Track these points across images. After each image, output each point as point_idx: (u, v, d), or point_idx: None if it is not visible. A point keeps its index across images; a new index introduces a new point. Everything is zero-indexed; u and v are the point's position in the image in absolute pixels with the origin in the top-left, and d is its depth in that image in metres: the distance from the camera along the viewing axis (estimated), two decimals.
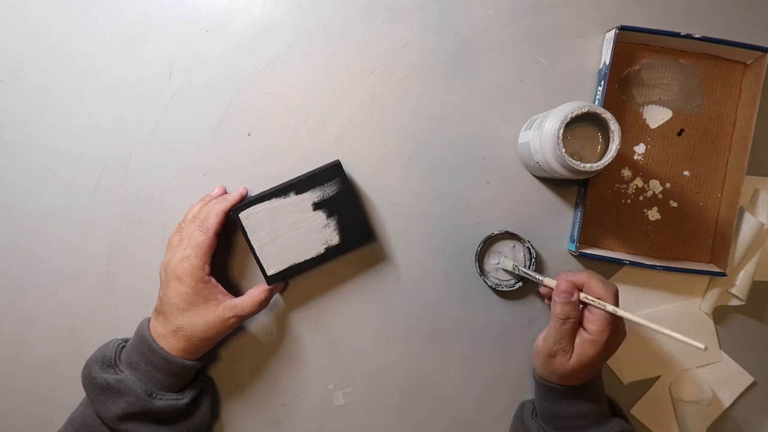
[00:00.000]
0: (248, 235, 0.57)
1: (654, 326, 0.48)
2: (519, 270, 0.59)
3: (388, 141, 0.63)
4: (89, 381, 0.54)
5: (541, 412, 0.58)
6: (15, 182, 0.63)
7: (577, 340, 0.52)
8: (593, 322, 0.51)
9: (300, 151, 0.62)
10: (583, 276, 0.53)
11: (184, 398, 0.55)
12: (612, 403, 0.59)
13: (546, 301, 0.61)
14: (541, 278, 0.56)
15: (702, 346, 0.46)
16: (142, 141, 0.63)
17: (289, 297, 0.63)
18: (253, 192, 0.60)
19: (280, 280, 0.59)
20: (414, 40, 0.62)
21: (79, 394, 0.56)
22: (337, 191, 0.58)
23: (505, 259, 0.61)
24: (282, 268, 0.58)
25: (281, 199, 0.57)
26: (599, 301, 0.51)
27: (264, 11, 0.63)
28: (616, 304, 0.51)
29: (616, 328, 0.52)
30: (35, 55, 0.63)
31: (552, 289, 0.54)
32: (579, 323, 0.52)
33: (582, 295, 0.52)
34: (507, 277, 0.62)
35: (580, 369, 0.52)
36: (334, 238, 0.58)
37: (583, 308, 0.53)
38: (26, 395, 0.63)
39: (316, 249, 0.58)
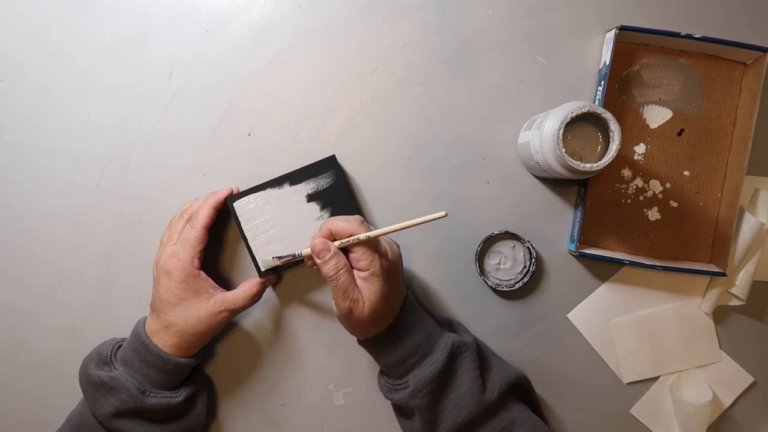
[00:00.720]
0: (241, 224, 0.57)
1: (401, 225, 0.50)
2: (277, 260, 0.56)
3: (388, 141, 0.63)
4: (85, 378, 0.54)
5: (381, 368, 0.58)
6: (15, 182, 0.63)
7: (360, 284, 0.50)
8: (360, 258, 0.50)
9: (300, 151, 0.62)
10: (326, 227, 0.52)
11: (179, 396, 0.55)
12: (449, 321, 0.61)
13: (315, 268, 0.55)
14: (300, 252, 0.54)
15: (443, 213, 0.48)
16: (142, 141, 0.63)
17: (288, 296, 0.63)
18: None
19: (273, 273, 0.58)
20: (414, 40, 0.62)
21: (78, 394, 0.56)
22: (331, 183, 0.58)
23: (266, 259, 0.57)
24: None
25: (275, 189, 0.58)
26: (353, 237, 0.50)
27: (264, 11, 0.63)
28: (367, 230, 0.51)
29: (383, 249, 0.52)
30: (35, 55, 0.63)
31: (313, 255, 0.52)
32: (351, 269, 0.51)
33: (336, 243, 0.51)
34: (507, 276, 0.62)
35: (378, 308, 0.51)
36: None
37: (347, 254, 0.51)
38: (26, 395, 0.63)
39: (308, 241, 0.58)
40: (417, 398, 0.53)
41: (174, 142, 0.63)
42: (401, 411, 0.57)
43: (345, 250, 0.51)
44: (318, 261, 0.51)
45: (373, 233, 0.50)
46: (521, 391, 0.58)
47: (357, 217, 0.52)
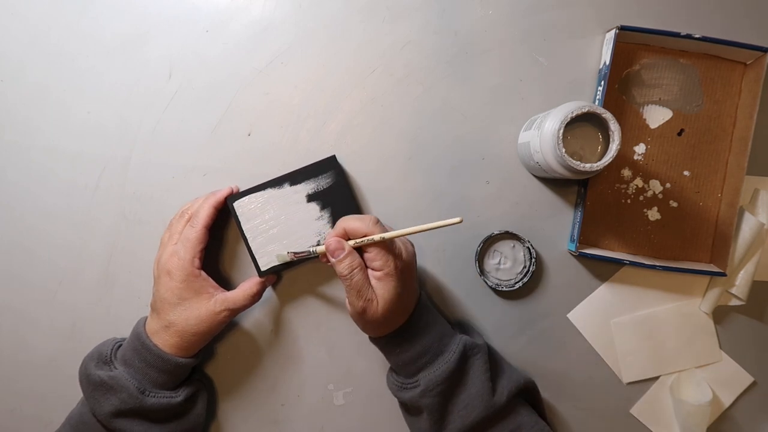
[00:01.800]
0: (242, 224, 0.57)
1: (415, 228, 0.50)
2: (292, 254, 0.56)
3: (387, 141, 0.63)
4: (85, 378, 0.54)
5: (392, 366, 0.58)
6: (15, 182, 0.63)
7: (374, 283, 0.51)
8: (375, 259, 0.51)
9: (300, 151, 0.62)
10: (340, 226, 0.52)
11: (178, 396, 0.55)
12: (460, 323, 0.61)
13: (330, 265, 0.54)
14: (314, 249, 0.55)
15: (458, 219, 0.48)
16: (142, 141, 0.63)
17: (288, 296, 0.63)
18: None
19: (273, 272, 0.59)
20: (414, 40, 0.62)
21: (78, 394, 0.56)
22: (331, 184, 0.58)
23: (281, 254, 0.56)
24: (274, 260, 0.58)
25: (276, 189, 0.58)
26: (367, 238, 0.50)
27: (264, 11, 0.63)
28: (382, 230, 0.51)
29: (397, 249, 0.52)
30: (35, 55, 0.63)
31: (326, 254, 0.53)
32: (365, 268, 0.51)
33: (351, 242, 0.51)
34: (507, 276, 0.62)
35: (392, 308, 0.51)
36: (327, 231, 0.58)
37: (361, 253, 0.52)
38: (26, 395, 0.63)
39: (309, 241, 0.58)
40: (427, 398, 0.53)
41: (174, 142, 0.63)
42: (408, 409, 0.57)
43: (359, 249, 0.52)
44: (332, 260, 0.51)
45: (387, 235, 0.50)
46: (529, 395, 0.58)
47: (371, 216, 0.52)
